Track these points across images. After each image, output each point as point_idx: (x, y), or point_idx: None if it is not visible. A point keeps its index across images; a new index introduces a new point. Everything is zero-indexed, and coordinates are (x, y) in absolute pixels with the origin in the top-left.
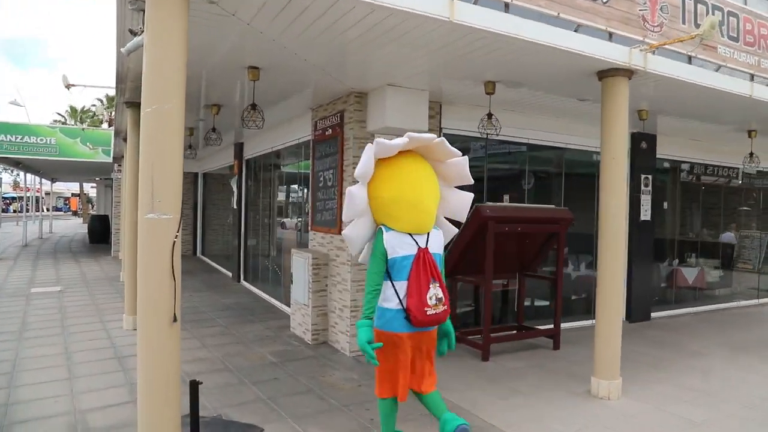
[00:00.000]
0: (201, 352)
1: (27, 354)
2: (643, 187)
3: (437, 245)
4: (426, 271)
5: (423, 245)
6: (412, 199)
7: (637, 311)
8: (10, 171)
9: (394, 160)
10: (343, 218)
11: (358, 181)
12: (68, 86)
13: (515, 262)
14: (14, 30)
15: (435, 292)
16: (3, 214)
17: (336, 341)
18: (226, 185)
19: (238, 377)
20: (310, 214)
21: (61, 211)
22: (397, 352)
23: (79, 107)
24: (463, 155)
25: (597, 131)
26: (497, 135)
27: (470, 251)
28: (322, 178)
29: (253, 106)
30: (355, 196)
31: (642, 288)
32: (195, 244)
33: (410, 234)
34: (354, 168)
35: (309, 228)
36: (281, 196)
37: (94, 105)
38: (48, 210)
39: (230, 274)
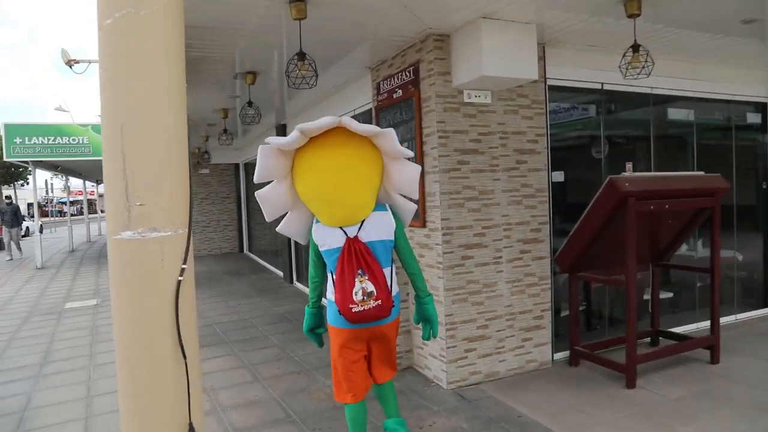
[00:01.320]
0: (254, 390)
1: (40, 401)
2: None
3: (379, 231)
4: (351, 264)
5: (353, 234)
6: (329, 194)
7: None
8: (60, 176)
9: (312, 147)
10: (266, 218)
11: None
12: (69, 62)
13: (647, 249)
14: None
15: (363, 286)
16: (59, 218)
17: (425, 367)
18: None
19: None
20: None
21: None
22: (343, 348)
23: None
24: (390, 127)
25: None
26: (647, 76)
27: (598, 239)
28: None
29: (301, 56)
30: (265, 197)
31: None
32: (241, 240)
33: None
34: (438, 137)
35: None
36: None
37: None
38: (102, 212)
39: (281, 273)
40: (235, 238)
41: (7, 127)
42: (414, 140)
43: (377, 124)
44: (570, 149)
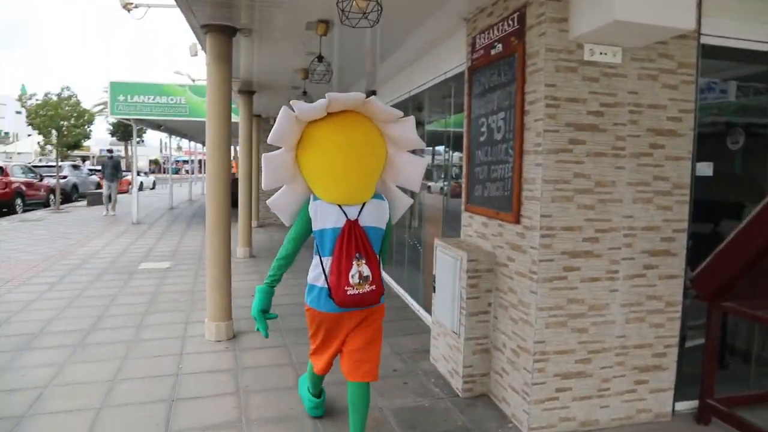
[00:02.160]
0: (292, 401)
1: (66, 377)
2: None
3: (375, 218)
4: (350, 247)
5: (353, 217)
6: (337, 169)
7: None
8: (168, 136)
9: (325, 122)
10: (263, 185)
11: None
12: (126, 6)
13: None
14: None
15: (360, 269)
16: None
17: (503, 400)
18: None
19: None
20: (464, 185)
21: None
22: (324, 332)
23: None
24: (407, 116)
25: None
26: None
27: (762, 261)
28: (484, 128)
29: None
30: (272, 160)
31: None
32: None
33: (339, 205)
34: (546, 105)
35: (463, 206)
36: None
37: None
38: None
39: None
40: None
41: (112, 84)
42: (512, 109)
43: (469, 91)
44: (719, 137)
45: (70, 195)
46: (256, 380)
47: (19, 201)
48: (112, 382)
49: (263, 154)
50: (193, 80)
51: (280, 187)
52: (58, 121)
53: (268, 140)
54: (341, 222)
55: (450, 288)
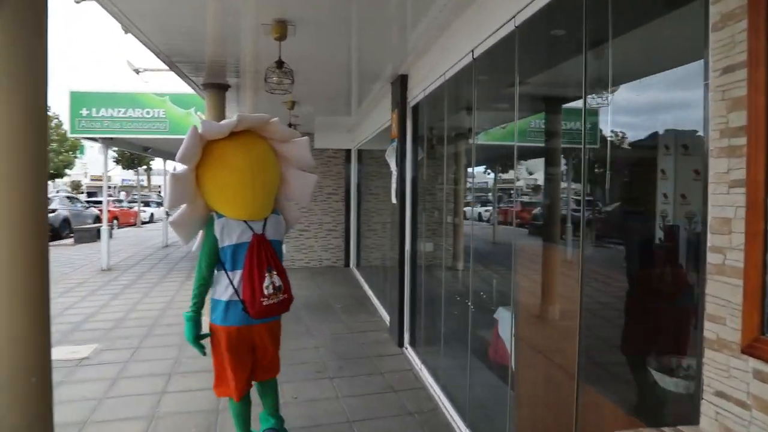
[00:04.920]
0: None
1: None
2: None
3: (277, 232)
4: (261, 259)
5: (259, 231)
6: (246, 186)
7: None
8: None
9: (230, 141)
10: (166, 206)
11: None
12: (136, 71)
13: None
14: None
15: (272, 280)
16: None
17: None
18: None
19: None
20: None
21: None
22: (230, 348)
23: None
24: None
25: None
26: None
27: None
28: None
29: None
30: (179, 180)
31: None
32: (348, 252)
33: (245, 221)
34: None
35: (741, 341)
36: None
37: None
38: None
39: (386, 319)
40: (341, 248)
41: (73, 95)
42: None
43: None
44: None
45: (59, 231)
46: None
47: None
48: None
49: (170, 174)
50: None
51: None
52: None
53: (177, 160)
54: (248, 237)
55: None
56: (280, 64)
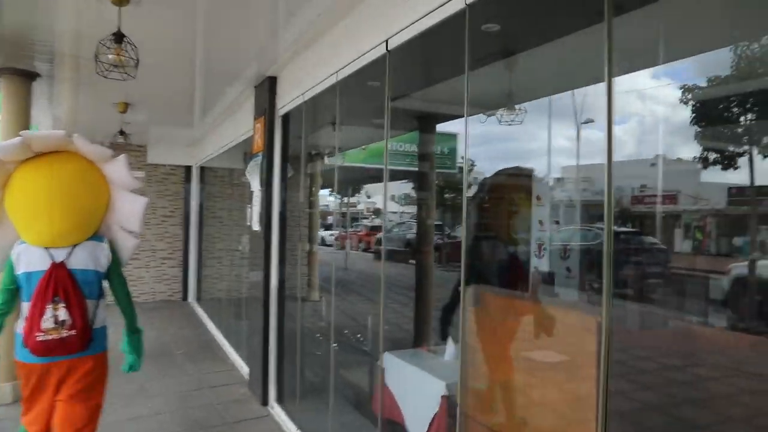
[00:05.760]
0: None
1: None
2: None
3: (87, 260)
4: (48, 290)
5: (60, 259)
6: (39, 210)
7: None
8: None
9: (28, 163)
10: None
11: None
12: None
13: None
14: None
15: (56, 313)
16: None
17: None
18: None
19: None
20: None
21: None
22: (25, 386)
23: None
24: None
25: None
26: None
27: None
28: None
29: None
30: None
31: None
32: (186, 283)
33: (46, 248)
34: None
35: None
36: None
37: None
38: None
39: (242, 369)
40: (178, 278)
41: None
42: None
43: None
44: None
45: None
46: None
47: None
48: None
49: None
50: None
51: None
52: None
53: None
54: (47, 265)
55: None
56: (119, 37)
